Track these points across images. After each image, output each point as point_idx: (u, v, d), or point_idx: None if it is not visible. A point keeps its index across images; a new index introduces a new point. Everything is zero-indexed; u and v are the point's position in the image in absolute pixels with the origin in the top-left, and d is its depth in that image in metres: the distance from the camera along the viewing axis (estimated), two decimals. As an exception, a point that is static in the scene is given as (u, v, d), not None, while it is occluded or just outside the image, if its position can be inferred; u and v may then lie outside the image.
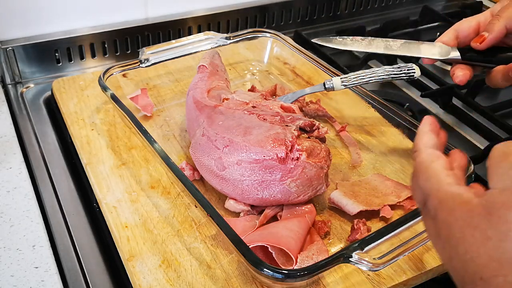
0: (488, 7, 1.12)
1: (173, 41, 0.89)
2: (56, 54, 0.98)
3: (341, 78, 0.79)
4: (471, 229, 0.35)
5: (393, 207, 0.69)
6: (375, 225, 0.67)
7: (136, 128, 0.71)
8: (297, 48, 0.93)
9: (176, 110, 0.87)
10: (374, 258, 0.54)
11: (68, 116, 0.84)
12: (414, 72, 0.76)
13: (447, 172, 0.41)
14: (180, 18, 1.05)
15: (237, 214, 0.68)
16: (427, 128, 0.47)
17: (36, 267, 0.60)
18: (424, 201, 0.41)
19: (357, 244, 0.55)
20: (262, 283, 0.59)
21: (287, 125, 0.66)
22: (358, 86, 0.80)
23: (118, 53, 1.03)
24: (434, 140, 0.46)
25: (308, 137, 0.66)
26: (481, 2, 1.30)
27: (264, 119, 0.67)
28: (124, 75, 0.89)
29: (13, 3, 0.92)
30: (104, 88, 0.78)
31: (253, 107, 0.71)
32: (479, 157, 0.80)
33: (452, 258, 0.37)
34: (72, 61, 1.00)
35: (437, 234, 0.39)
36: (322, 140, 0.68)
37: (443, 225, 0.38)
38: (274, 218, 0.67)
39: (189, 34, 1.07)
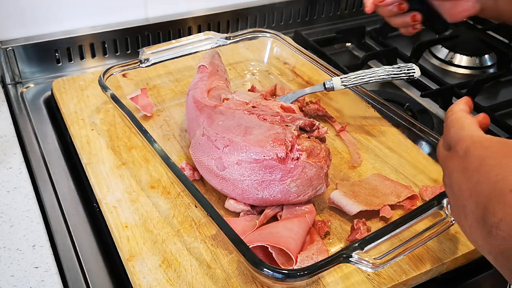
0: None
1: (173, 41, 0.89)
2: (56, 54, 0.98)
3: (341, 78, 0.79)
4: (507, 158, 0.40)
5: (393, 207, 0.69)
6: (375, 225, 0.67)
7: (136, 128, 0.71)
8: (297, 48, 0.93)
9: (176, 110, 0.87)
10: (374, 258, 0.54)
11: (68, 116, 0.84)
12: (414, 72, 0.76)
13: (479, 128, 0.47)
14: (180, 18, 1.05)
15: (237, 214, 0.68)
16: (463, 101, 0.52)
17: (36, 267, 0.60)
18: (451, 146, 0.46)
19: (357, 244, 0.55)
20: (262, 283, 0.59)
21: (287, 125, 0.66)
22: (358, 86, 0.80)
23: (118, 53, 1.03)
24: (468, 110, 0.51)
25: (308, 137, 0.66)
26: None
27: (264, 119, 0.67)
28: (124, 75, 0.90)
29: (13, 3, 0.92)
30: (104, 88, 0.78)
31: (253, 107, 0.71)
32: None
33: (480, 182, 0.41)
34: (72, 61, 1.00)
35: (464, 168, 0.43)
36: (322, 140, 0.68)
37: (474, 159, 0.42)
38: (274, 218, 0.67)
39: (189, 34, 1.07)
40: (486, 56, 1.09)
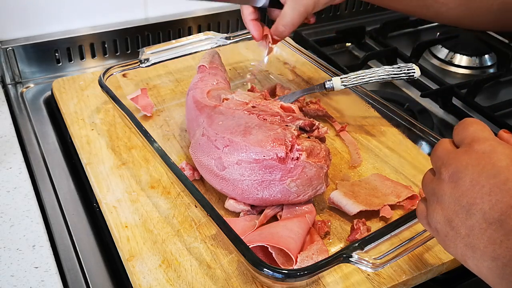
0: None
1: (173, 41, 0.89)
2: (56, 54, 0.98)
3: (341, 78, 0.79)
4: None
5: (393, 207, 0.69)
6: (375, 225, 0.67)
7: (136, 128, 0.71)
8: (297, 48, 0.93)
9: (176, 110, 0.87)
10: (374, 258, 0.54)
11: (68, 116, 0.84)
12: (414, 72, 0.76)
13: None
14: (180, 18, 1.05)
15: (237, 214, 0.68)
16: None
17: (36, 267, 0.60)
18: (467, 144, 0.43)
19: (357, 244, 0.55)
20: (262, 283, 0.59)
21: (287, 125, 0.66)
22: (358, 86, 0.80)
23: (118, 53, 1.03)
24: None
25: (308, 137, 0.66)
26: None
27: (264, 119, 0.67)
28: (124, 75, 0.90)
29: (13, 3, 0.92)
30: (104, 88, 0.78)
31: (253, 107, 0.71)
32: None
33: (509, 181, 0.39)
34: (72, 61, 1.00)
35: (488, 164, 0.41)
36: (322, 140, 0.68)
37: (504, 157, 0.41)
38: (274, 218, 0.67)
39: (189, 34, 1.07)
40: (486, 56, 1.09)
